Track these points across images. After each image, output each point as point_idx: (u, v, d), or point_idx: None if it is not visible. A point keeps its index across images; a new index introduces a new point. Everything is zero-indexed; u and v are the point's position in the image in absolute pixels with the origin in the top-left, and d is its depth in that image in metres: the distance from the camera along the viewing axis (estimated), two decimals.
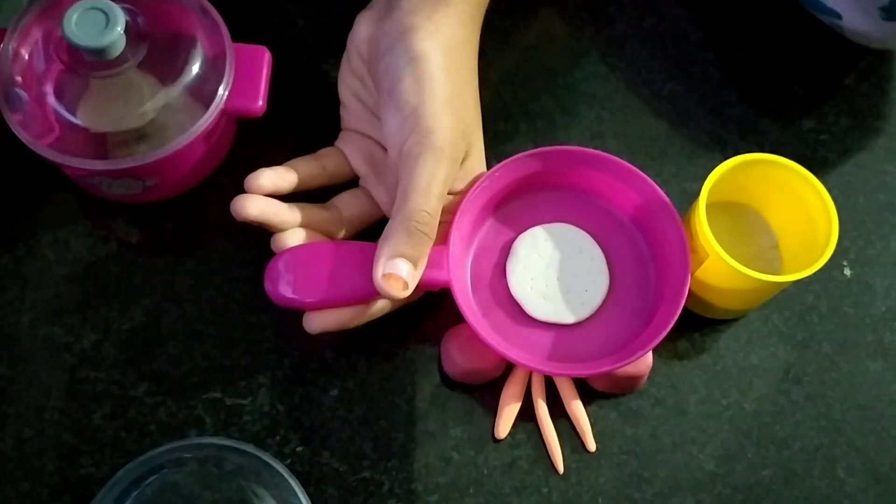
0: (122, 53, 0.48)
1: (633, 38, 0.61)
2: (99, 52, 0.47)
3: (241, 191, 0.49)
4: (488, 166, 0.51)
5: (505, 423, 0.51)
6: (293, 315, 0.49)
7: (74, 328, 0.52)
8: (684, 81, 0.60)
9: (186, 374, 0.51)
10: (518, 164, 0.51)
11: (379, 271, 0.45)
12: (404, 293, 0.45)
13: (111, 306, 0.53)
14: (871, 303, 0.55)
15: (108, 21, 0.47)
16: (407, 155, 0.46)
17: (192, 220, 0.55)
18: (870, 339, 0.54)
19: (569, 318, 0.50)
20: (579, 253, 0.52)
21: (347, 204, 0.52)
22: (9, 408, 0.50)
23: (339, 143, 0.53)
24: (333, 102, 0.54)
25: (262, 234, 0.50)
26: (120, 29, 0.47)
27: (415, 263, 0.45)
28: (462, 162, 0.48)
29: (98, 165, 0.49)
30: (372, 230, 0.51)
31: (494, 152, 0.53)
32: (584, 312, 0.51)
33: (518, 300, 0.51)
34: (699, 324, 0.54)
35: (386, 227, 0.46)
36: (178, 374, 0.51)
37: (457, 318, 0.48)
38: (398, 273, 0.44)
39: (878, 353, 0.54)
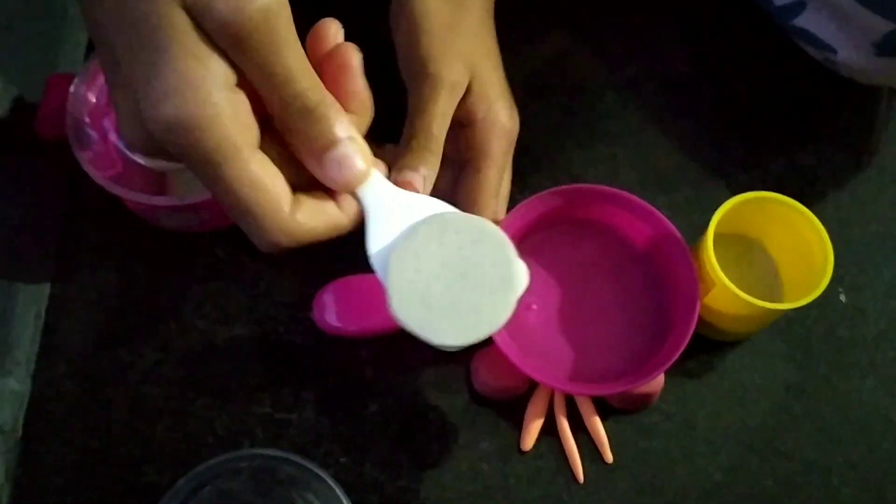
0: None
1: (645, 78, 0.63)
2: None
3: None
4: (512, 198, 0.53)
5: (530, 436, 0.53)
6: (336, 337, 0.53)
7: (136, 348, 0.55)
8: (692, 120, 0.62)
9: (238, 390, 0.54)
10: (542, 201, 0.53)
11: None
12: None
13: (169, 328, 0.55)
14: (865, 326, 0.57)
15: None
16: (410, 91, 0.49)
17: (242, 249, 0.57)
18: (863, 359, 0.56)
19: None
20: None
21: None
22: (77, 422, 0.53)
23: None
24: None
25: (304, 264, 0.52)
26: None
27: (423, 175, 0.45)
28: (466, 92, 0.50)
29: (162, 202, 0.51)
30: None
31: (518, 186, 0.54)
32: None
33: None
34: (707, 346, 0.55)
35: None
36: (231, 391, 0.54)
37: (485, 340, 0.50)
38: (409, 179, 0.45)
39: (871, 373, 0.56)
